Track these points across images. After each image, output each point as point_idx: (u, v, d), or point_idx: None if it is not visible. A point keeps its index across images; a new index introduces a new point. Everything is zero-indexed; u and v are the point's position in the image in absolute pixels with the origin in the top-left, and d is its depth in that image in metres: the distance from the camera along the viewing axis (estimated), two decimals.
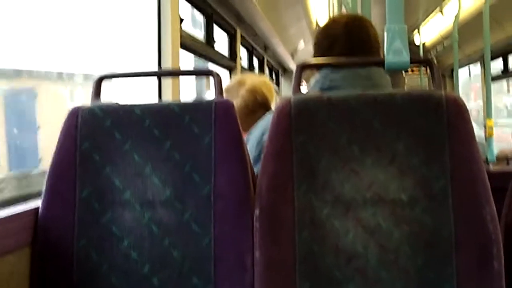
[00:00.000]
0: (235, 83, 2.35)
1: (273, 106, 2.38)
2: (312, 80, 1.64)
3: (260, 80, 2.37)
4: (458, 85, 5.24)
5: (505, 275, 1.27)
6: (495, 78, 6.41)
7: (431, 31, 7.68)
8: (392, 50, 1.38)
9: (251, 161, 1.86)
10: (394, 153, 1.33)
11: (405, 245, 1.30)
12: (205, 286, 1.35)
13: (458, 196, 1.29)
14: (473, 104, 8.27)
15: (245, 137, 1.97)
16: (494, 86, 5.58)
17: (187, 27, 3.10)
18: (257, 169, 1.44)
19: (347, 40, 1.63)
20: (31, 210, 1.41)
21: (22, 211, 1.39)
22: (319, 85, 1.60)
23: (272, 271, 1.31)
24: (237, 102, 2.21)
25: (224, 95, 2.17)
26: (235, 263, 1.34)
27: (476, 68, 7.58)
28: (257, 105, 2.28)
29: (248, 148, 1.88)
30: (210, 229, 1.37)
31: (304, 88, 1.55)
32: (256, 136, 2.09)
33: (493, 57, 5.23)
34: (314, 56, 1.70)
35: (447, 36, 6.87)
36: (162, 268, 1.36)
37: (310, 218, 1.32)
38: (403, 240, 1.30)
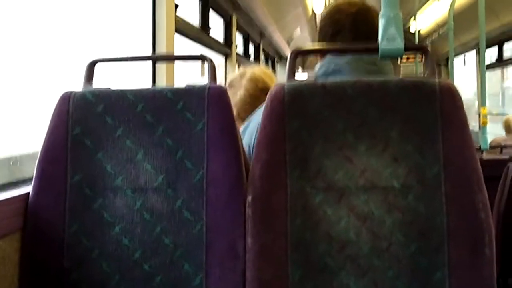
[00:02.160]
0: (237, 76, 2.38)
1: None
2: (317, 65, 1.64)
3: (259, 69, 2.41)
4: (453, 73, 5.25)
5: (496, 262, 1.27)
6: (490, 67, 6.43)
7: (426, 19, 7.68)
8: (387, 37, 1.37)
9: (250, 148, 1.86)
10: (387, 140, 1.33)
11: (397, 233, 1.30)
12: (196, 273, 1.35)
13: (450, 183, 1.29)
14: None
15: (243, 125, 1.97)
16: None
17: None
18: None
19: (352, 31, 1.62)
20: (21, 195, 1.40)
21: (13, 196, 1.39)
22: (323, 70, 1.60)
23: (264, 258, 1.31)
24: (240, 93, 2.25)
25: (229, 90, 2.19)
26: (227, 250, 1.34)
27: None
28: (259, 91, 2.33)
29: (247, 135, 1.88)
30: (202, 216, 1.36)
31: (304, 75, 1.55)
32: (255, 124, 2.09)
33: (488, 46, 5.24)
34: (320, 41, 1.70)
35: (443, 25, 6.88)
36: (154, 255, 1.36)
37: (302, 206, 1.32)
38: (395, 228, 1.30)
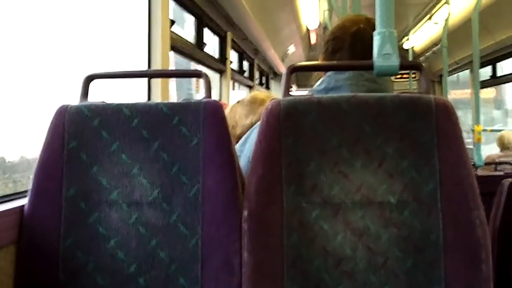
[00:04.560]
0: (252, 99, 2.31)
1: None
2: (319, 81, 1.64)
3: None
4: (447, 91, 5.28)
5: (493, 278, 1.27)
6: (484, 85, 6.46)
7: (420, 37, 7.73)
8: (382, 55, 1.38)
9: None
10: (383, 156, 1.33)
11: (393, 248, 1.30)
12: None
13: (447, 199, 1.29)
14: None
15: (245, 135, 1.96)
16: None
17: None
18: None
19: (350, 50, 1.63)
20: (16, 208, 1.40)
21: (8, 209, 1.38)
22: (324, 85, 1.61)
23: (259, 274, 1.30)
24: (252, 118, 2.18)
25: (235, 105, 2.17)
26: (222, 265, 1.33)
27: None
28: None
29: (247, 148, 1.86)
30: (198, 230, 1.36)
31: (301, 93, 1.55)
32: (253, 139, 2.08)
33: (482, 64, 5.28)
34: (322, 56, 1.72)
35: (437, 42, 6.92)
36: (149, 269, 1.35)
37: (298, 221, 1.32)
38: (391, 243, 1.30)
